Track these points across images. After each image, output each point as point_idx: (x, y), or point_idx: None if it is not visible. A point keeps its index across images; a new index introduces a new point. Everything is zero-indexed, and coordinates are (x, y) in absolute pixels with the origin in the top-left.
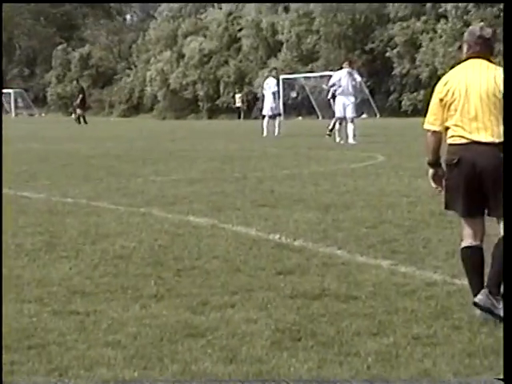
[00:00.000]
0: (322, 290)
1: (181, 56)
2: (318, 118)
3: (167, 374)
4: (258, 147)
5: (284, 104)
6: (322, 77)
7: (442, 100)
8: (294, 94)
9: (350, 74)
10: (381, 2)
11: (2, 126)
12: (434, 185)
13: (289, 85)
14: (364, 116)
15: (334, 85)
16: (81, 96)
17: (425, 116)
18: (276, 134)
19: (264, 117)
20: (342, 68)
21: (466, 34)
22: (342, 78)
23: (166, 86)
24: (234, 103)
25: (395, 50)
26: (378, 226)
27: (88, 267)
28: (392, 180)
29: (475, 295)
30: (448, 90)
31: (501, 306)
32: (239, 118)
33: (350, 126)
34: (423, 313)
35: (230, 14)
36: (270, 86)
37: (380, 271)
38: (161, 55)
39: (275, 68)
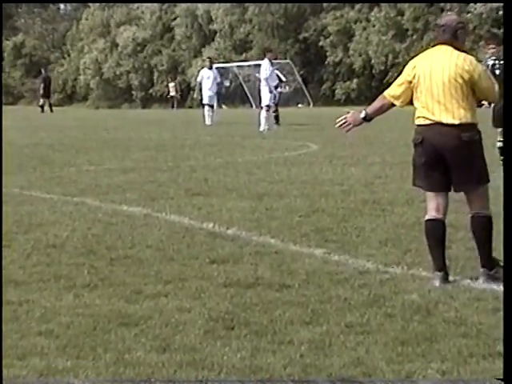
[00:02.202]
0: (255, 278)
1: (114, 45)
2: (251, 106)
3: (100, 363)
4: (192, 136)
5: (218, 93)
6: (255, 66)
7: (410, 82)
8: (227, 83)
9: (272, 64)
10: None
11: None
12: (342, 121)
13: (222, 74)
14: (300, 106)
15: (267, 77)
16: (42, 85)
17: (358, 105)
18: (208, 123)
19: (203, 106)
20: (265, 58)
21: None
22: (269, 68)
23: (99, 76)
24: (168, 92)
25: (328, 39)
26: (311, 214)
27: (21, 256)
28: (325, 169)
29: (437, 267)
30: (415, 74)
31: (500, 272)
32: (173, 107)
33: (272, 114)
34: (356, 301)
35: (163, 2)
36: (202, 75)
37: (313, 260)
38: (94, 44)
39: (209, 58)
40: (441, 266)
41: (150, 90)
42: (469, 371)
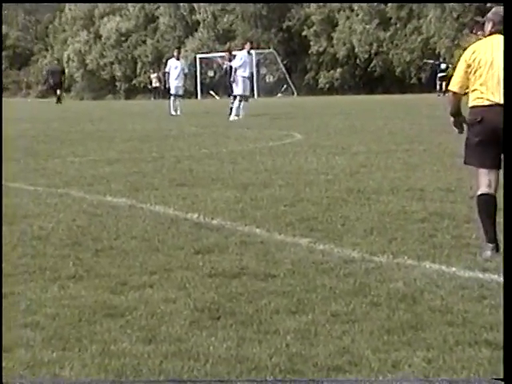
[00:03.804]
0: (240, 268)
1: (98, 36)
2: None
3: (86, 354)
4: (176, 127)
5: (201, 83)
6: None
7: (469, 66)
8: (211, 73)
9: (250, 54)
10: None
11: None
12: (456, 129)
13: (206, 64)
14: (279, 95)
15: (239, 67)
16: (62, 77)
17: (342, 94)
18: (173, 113)
19: (170, 96)
20: (243, 49)
21: (490, 13)
22: (245, 59)
23: (83, 67)
24: (151, 83)
25: (312, 29)
26: (296, 204)
27: (6, 248)
28: (310, 158)
29: (489, 239)
30: (475, 58)
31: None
32: (156, 97)
33: (246, 104)
34: (342, 290)
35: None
36: (170, 66)
37: (298, 249)
38: (78, 36)
39: (177, 48)
40: (492, 237)
41: (134, 81)
42: (455, 359)
